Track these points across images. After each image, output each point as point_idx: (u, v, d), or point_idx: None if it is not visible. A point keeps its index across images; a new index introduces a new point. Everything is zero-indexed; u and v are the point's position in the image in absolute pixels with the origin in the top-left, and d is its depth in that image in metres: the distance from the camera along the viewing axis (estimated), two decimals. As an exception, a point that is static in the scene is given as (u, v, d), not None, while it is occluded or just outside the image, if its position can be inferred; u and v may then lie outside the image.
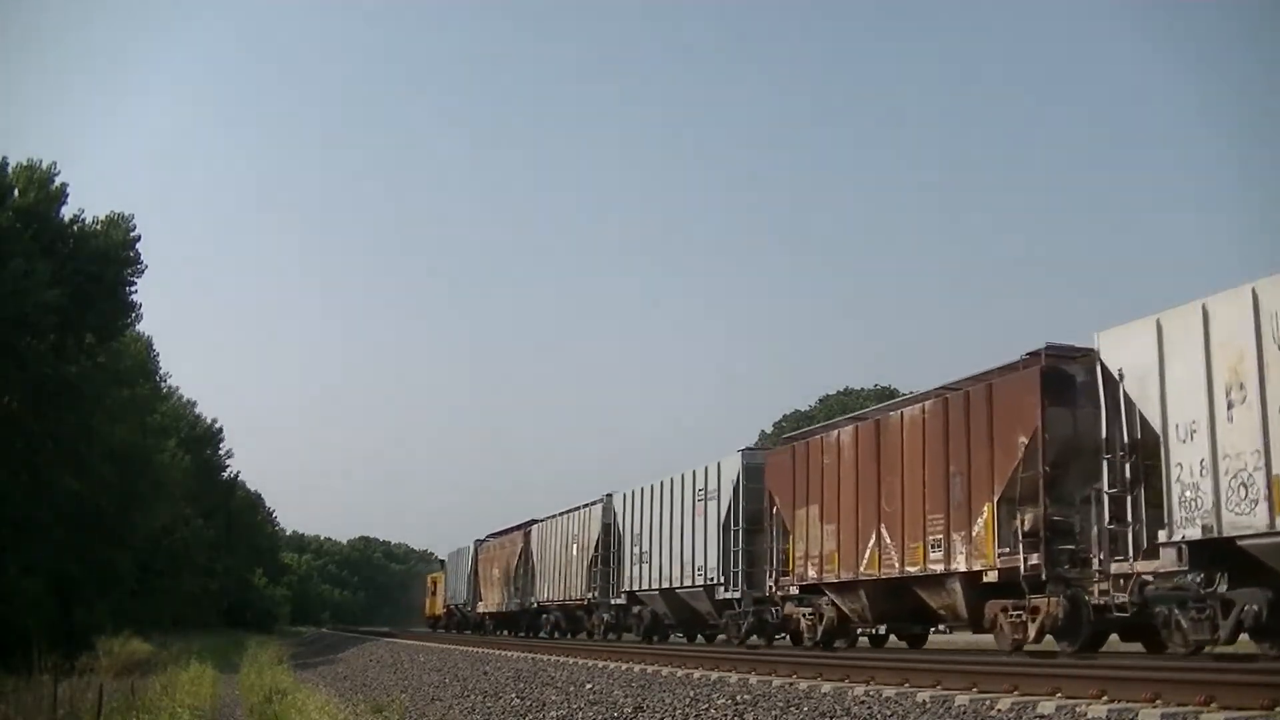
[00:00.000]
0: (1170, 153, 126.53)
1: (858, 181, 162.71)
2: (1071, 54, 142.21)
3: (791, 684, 11.74)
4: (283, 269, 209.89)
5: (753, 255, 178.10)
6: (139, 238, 39.11)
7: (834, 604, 17.73)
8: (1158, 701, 7.94)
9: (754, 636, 20.62)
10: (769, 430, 66.59)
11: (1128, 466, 12.03)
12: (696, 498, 22.74)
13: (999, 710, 8.63)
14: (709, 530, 21.97)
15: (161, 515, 45.45)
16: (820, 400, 70.53)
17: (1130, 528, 11.89)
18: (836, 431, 18.19)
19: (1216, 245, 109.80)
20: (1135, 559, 11.76)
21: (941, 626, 18.17)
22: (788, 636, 20.07)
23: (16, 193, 35.15)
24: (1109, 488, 12.14)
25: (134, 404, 43.60)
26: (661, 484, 24.81)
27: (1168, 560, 11.33)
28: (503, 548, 40.96)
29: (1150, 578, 11.60)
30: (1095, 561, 12.42)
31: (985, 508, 13.99)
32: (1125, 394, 12.05)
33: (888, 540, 16.00)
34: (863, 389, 69.27)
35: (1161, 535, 11.36)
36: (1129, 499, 11.98)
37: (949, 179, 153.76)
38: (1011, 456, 13.60)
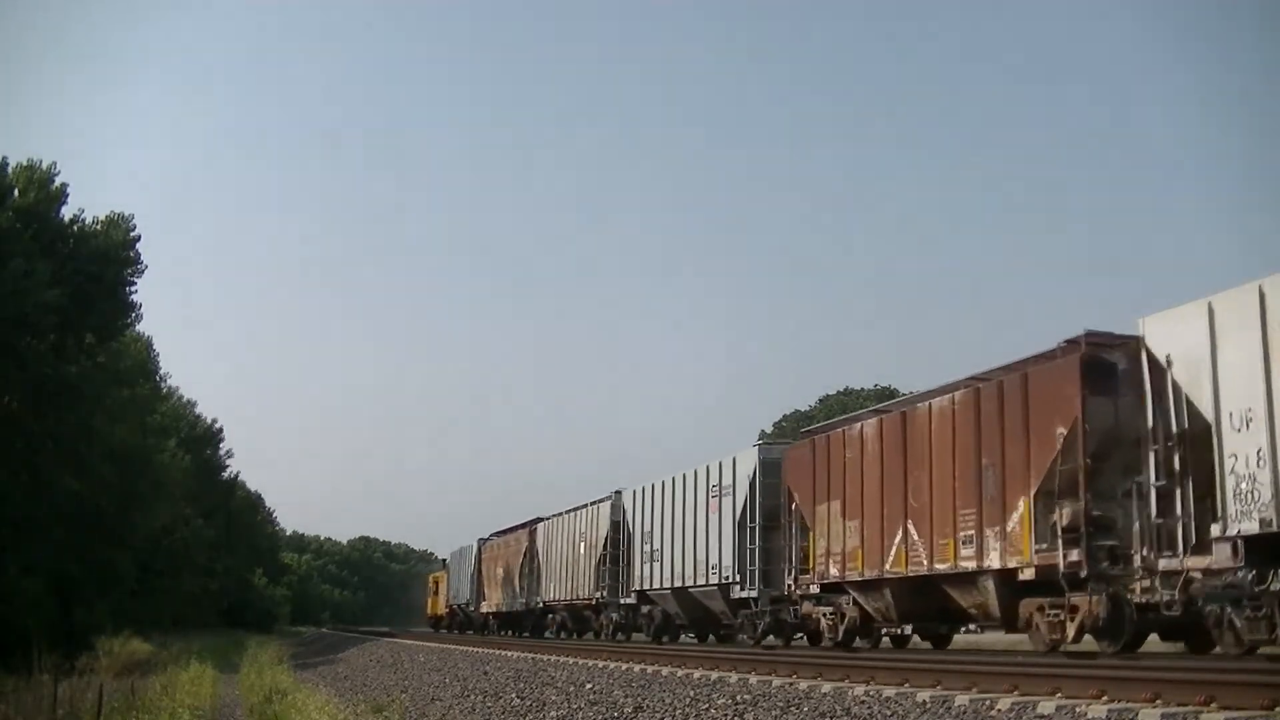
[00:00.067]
0: (1169, 150, 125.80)
1: (858, 181, 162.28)
2: (1070, 40, 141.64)
3: (792, 684, 11.60)
4: (284, 268, 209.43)
5: (753, 255, 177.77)
6: (139, 238, 39.05)
7: (856, 603, 17.20)
8: (1158, 701, 7.85)
9: (771, 636, 20.13)
10: (769, 430, 66.18)
11: (1175, 458, 11.43)
12: (711, 494, 22.22)
13: (999, 710, 8.54)
14: (724, 527, 21.44)
15: (161, 515, 45.30)
16: (820, 400, 70.05)
17: (1179, 522, 11.31)
18: (860, 424, 17.61)
19: (1217, 245, 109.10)
20: (1185, 555, 11.20)
21: (971, 626, 17.62)
22: (805, 637, 19.58)
23: (16, 193, 34.94)
24: (1156, 480, 11.57)
25: (134, 404, 43.44)
26: (674, 480, 24.28)
27: (1221, 556, 10.73)
28: (507, 546, 40.41)
29: (1199, 575, 11.05)
30: (1137, 558, 11.82)
31: (1021, 502, 13.41)
32: (1174, 381, 11.49)
33: (915, 536, 15.44)
34: (863, 389, 68.75)
35: (1215, 530, 10.81)
36: (1177, 492, 11.39)
37: (950, 178, 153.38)
38: (1049, 448, 13.00)
